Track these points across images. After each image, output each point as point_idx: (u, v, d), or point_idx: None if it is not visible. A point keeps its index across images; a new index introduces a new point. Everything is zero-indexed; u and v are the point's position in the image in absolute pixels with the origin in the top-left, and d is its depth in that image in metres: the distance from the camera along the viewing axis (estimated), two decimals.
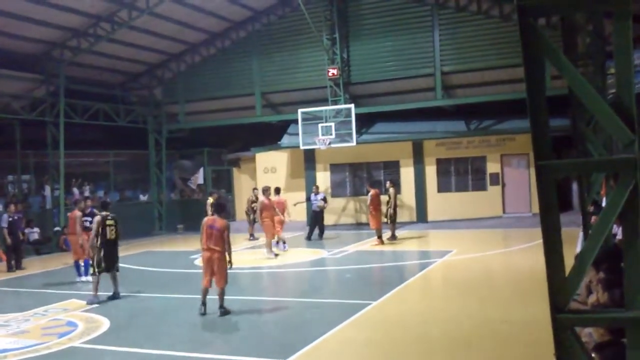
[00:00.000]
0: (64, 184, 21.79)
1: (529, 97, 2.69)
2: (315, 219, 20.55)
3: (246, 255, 16.45)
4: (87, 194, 24.27)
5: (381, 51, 23.20)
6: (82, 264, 14.26)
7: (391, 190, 18.83)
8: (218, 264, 10.00)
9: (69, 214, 14.88)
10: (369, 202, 18.53)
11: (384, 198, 18.84)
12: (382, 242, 18.30)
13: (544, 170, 2.68)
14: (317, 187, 21.53)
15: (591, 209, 9.89)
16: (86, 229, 16.15)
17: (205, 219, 10.44)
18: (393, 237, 18.87)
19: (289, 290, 13.20)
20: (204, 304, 10.11)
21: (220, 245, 9.97)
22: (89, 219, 16.28)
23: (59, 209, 21.64)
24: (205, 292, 10.14)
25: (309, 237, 20.26)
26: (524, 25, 2.65)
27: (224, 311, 10.01)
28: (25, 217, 19.61)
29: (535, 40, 2.66)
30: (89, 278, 14.00)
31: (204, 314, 10.02)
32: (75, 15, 19.55)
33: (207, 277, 10.08)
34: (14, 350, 8.38)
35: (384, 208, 18.56)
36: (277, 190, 18.34)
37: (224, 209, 10.62)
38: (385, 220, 18.69)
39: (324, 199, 20.81)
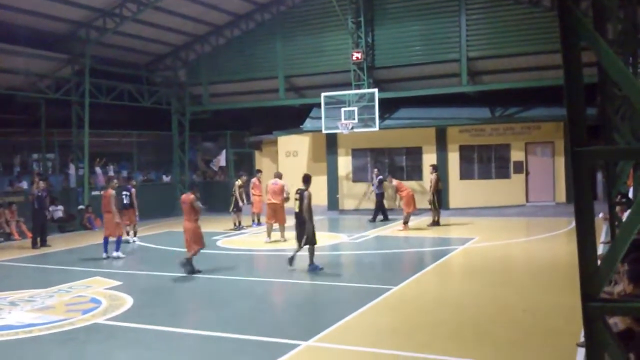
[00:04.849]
0: (88, 164, 22.02)
1: (567, 82, 2.64)
2: (377, 203, 21.04)
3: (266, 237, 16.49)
4: (111, 173, 24.53)
5: (406, 36, 22.97)
6: (115, 240, 14.50)
7: (432, 175, 18.84)
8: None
9: (102, 192, 15.96)
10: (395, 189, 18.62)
11: (411, 184, 18.91)
12: (406, 228, 18.28)
13: (580, 157, 2.63)
14: (378, 171, 21.91)
15: (618, 199, 9.75)
16: (125, 206, 16.54)
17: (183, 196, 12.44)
18: (435, 223, 18.91)
19: (309, 274, 13.24)
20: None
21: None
22: (126, 193, 16.85)
23: (83, 188, 21.92)
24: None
25: (374, 220, 20.66)
26: (563, 9, 2.60)
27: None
28: (50, 195, 19.87)
29: (575, 24, 2.60)
30: (119, 254, 14.32)
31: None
32: None
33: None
34: (39, 325, 8.54)
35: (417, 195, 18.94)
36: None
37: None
38: (430, 206, 18.94)
39: (380, 182, 21.20)
